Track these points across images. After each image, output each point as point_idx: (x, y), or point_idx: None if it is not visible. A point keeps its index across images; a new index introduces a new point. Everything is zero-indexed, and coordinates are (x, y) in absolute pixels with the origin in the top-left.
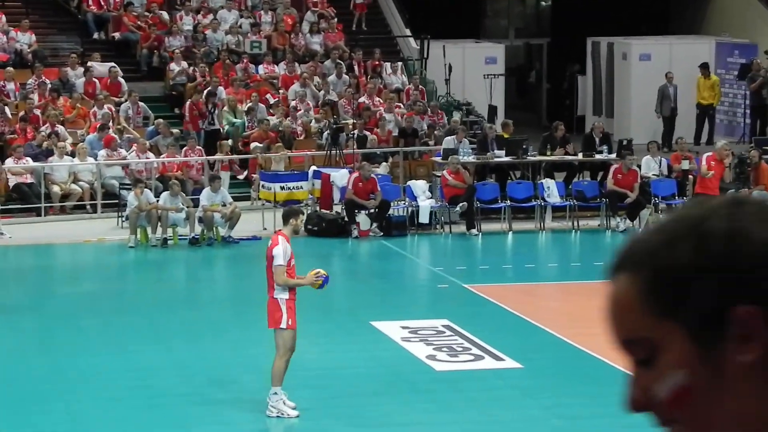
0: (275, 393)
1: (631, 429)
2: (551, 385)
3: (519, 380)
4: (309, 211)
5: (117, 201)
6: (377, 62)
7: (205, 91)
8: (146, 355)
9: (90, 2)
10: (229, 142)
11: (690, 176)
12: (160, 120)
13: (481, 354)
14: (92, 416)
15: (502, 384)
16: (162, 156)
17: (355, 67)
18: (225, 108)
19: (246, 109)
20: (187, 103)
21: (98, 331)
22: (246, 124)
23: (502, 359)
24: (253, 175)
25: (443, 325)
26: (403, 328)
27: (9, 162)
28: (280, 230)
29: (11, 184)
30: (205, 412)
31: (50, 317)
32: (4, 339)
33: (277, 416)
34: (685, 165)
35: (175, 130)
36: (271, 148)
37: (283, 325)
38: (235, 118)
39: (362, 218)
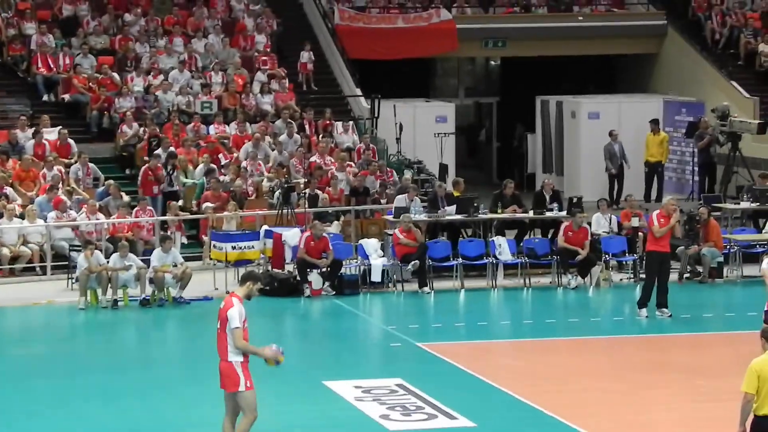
0: None
1: None
2: None
3: None
4: (261, 271)
5: (67, 263)
6: (328, 121)
7: (166, 153)
8: (98, 417)
9: (39, 64)
10: (180, 202)
11: (640, 233)
12: (111, 181)
13: (434, 413)
14: None
15: None
16: (112, 217)
17: (306, 127)
18: (175, 163)
19: (206, 170)
20: (143, 168)
21: (49, 393)
22: (205, 185)
23: (455, 418)
24: (204, 237)
25: (396, 384)
26: (356, 387)
27: None
28: (233, 292)
29: None
30: None
31: (0, 380)
32: None
33: None
34: (635, 222)
35: (126, 198)
36: (226, 208)
37: (242, 387)
38: (186, 178)
39: (314, 277)
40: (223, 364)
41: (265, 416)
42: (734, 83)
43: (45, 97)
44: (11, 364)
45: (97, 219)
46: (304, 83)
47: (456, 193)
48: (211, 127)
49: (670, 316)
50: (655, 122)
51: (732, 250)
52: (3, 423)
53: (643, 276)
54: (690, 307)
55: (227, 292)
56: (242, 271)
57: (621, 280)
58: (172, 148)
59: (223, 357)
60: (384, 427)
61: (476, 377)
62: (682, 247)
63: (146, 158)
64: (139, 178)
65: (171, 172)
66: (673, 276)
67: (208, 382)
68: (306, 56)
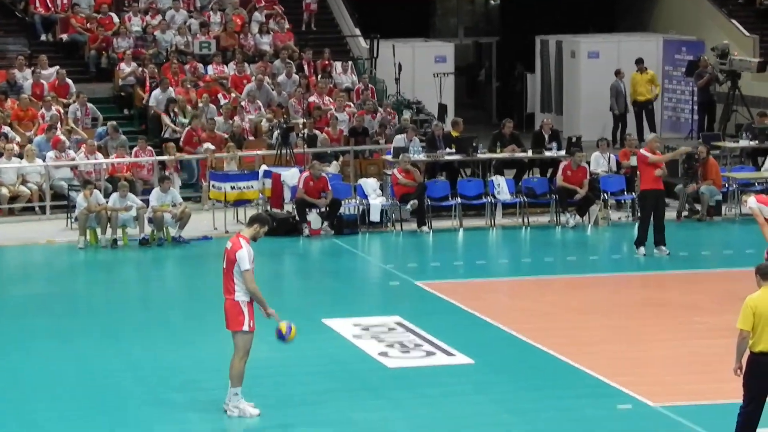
0: (236, 393)
1: (579, 423)
2: (502, 380)
3: (470, 375)
4: (260, 211)
5: (66, 202)
6: (327, 62)
7: (165, 95)
8: (99, 356)
9: (37, 4)
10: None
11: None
12: (112, 122)
13: (432, 350)
14: (44, 418)
15: (454, 380)
16: (111, 157)
17: (305, 67)
18: (175, 109)
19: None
20: (186, 129)
21: (49, 332)
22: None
23: (453, 355)
24: (203, 180)
25: (395, 322)
26: (355, 325)
27: None
28: (239, 233)
29: None
30: (159, 413)
31: (0, 317)
32: None
33: (239, 416)
34: (634, 161)
35: (123, 137)
36: (222, 149)
37: (246, 327)
38: (185, 118)
39: (313, 217)
40: (229, 303)
41: (265, 353)
42: (734, 21)
43: (43, 37)
44: (11, 302)
45: (96, 159)
46: (304, 24)
47: (455, 133)
48: (210, 67)
49: (668, 254)
50: (640, 61)
51: (731, 189)
52: (3, 359)
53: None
54: (688, 245)
55: (236, 234)
56: (241, 211)
57: (619, 218)
58: (171, 91)
59: (229, 296)
60: (383, 364)
61: (474, 315)
62: (681, 185)
63: (144, 99)
64: (182, 139)
65: (174, 117)
66: (672, 214)
67: (207, 321)
68: None
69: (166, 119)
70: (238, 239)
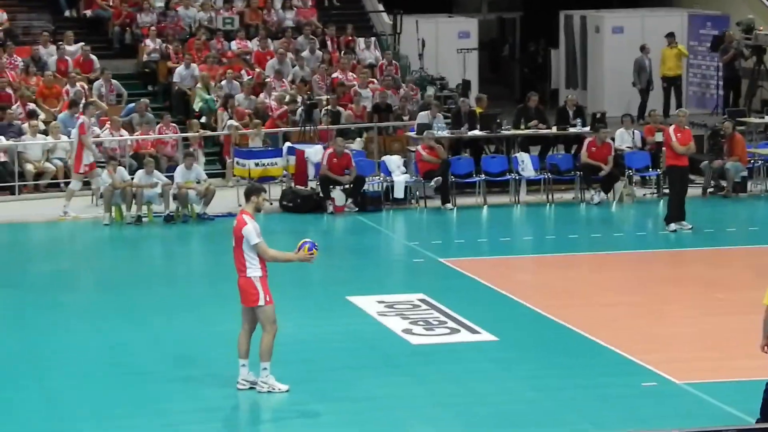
0: (265, 368)
1: (604, 401)
2: (527, 357)
3: (494, 353)
4: (284, 187)
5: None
6: (350, 38)
7: (189, 71)
8: (121, 332)
9: None
10: (203, 119)
11: (663, 148)
12: (145, 100)
13: (456, 327)
14: (66, 392)
15: (478, 357)
16: (136, 133)
17: (328, 43)
18: (198, 85)
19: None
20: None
21: (73, 307)
22: (214, 102)
23: (477, 332)
24: (226, 156)
25: (419, 299)
26: (379, 302)
27: None
28: (242, 209)
29: None
30: (180, 388)
31: (25, 294)
32: None
33: (268, 391)
34: (659, 137)
35: (150, 115)
36: (249, 124)
37: (261, 302)
38: (208, 95)
39: (337, 194)
40: (242, 280)
41: (290, 330)
42: None
43: (67, 13)
44: (36, 278)
45: (121, 135)
46: None
47: (479, 110)
48: (233, 43)
49: (691, 228)
50: (671, 35)
51: (756, 165)
52: (25, 337)
53: (667, 191)
54: (713, 221)
55: (240, 211)
56: (266, 187)
57: (644, 195)
58: (195, 67)
59: (242, 273)
60: (407, 340)
61: (498, 292)
62: (706, 161)
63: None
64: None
65: (231, 114)
66: (697, 190)
67: (230, 298)
68: None
69: (224, 115)
70: (241, 216)
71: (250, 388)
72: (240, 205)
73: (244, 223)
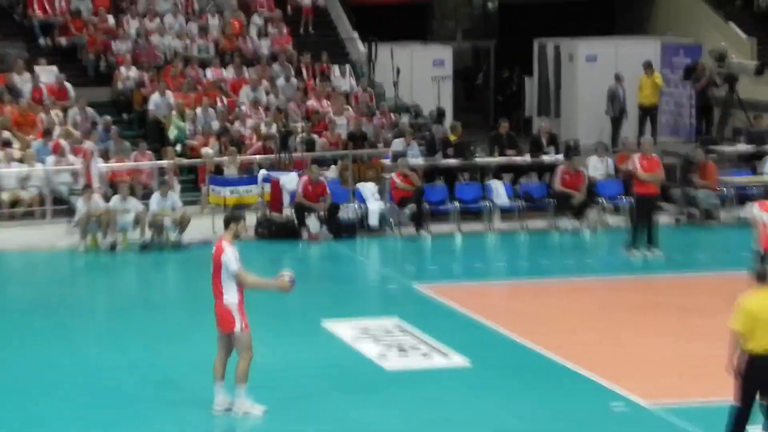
0: (240, 392)
1: (575, 423)
2: (500, 382)
3: (468, 378)
4: (259, 215)
5: (67, 207)
6: (325, 65)
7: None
8: (99, 356)
9: (35, 8)
10: (178, 147)
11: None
12: (116, 127)
13: (430, 352)
14: (45, 415)
15: (452, 382)
16: (111, 161)
17: (303, 71)
18: (174, 113)
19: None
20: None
21: (51, 332)
22: (187, 130)
23: (450, 357)
24: (201, 184)
25: (393, 325)
26: (354, 328)
27: None
28: (222, 236)
29: None
30: (159, 413)
31: (2, 317)
32: None
33: (245, 413)
34: (631, 165)
35: (126, 143)
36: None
37: (238, 328)
38: (183, 122)
39: (312, 221)
40: (219, 306)
41: (265, 355)
42: (732, 24)
43: (41, 41)
44: (12, 305)
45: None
46: (302, 27)
47: (453, 137)
48: (208, 70)
49: (660, 255)
50: (648, 64)
51: (728, 193)
52: (3, 359)
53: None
54: (684, 248)
55: (219, 239)
56: None
57: (616, 223)
58: (170, 95)
59: (218, 299)
60: (381, 365)
61: (472, 317)
62: (678, 189)
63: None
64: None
65: (221, 148)
66: (668, 218)
67: (207, 324)
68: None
69: (208, 151)
70: (221, 243)
71: (227, 410)
72: (215, 232)
73: (222, 250)
